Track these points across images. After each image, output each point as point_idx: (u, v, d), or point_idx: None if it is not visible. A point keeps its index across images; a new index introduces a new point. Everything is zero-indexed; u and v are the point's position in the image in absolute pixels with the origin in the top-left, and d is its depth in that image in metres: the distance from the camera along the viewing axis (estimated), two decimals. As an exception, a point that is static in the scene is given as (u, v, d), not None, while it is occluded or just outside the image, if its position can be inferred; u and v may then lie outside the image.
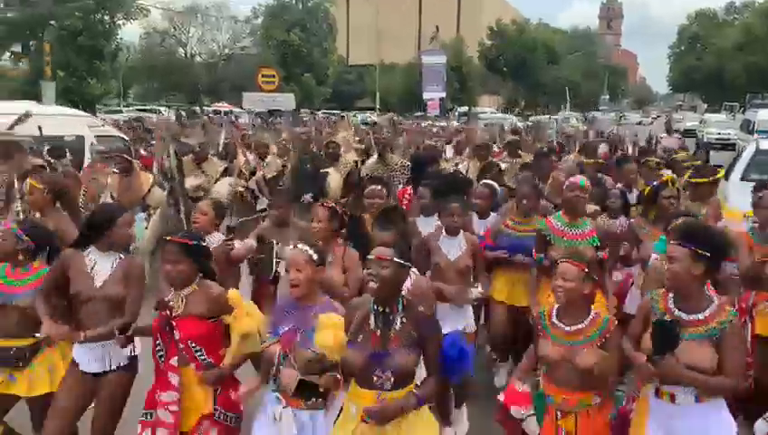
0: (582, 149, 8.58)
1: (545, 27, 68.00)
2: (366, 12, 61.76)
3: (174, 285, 3.37)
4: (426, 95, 33.96)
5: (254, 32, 46.90)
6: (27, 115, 7.94)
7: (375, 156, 8.53)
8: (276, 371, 3.16)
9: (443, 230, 4.53)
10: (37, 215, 4.95)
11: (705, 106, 50.09)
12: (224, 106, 39.17)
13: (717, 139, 26.87)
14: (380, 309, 2.97)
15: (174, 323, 3.29)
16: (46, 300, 3.65)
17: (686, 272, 2.97)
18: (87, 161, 9.03)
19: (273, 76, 26.34)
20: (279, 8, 47.40)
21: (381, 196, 5.00)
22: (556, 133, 11.44)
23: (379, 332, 2.96)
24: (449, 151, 9.71)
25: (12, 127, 7.60)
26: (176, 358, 3.29)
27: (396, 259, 2.92)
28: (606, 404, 3.20)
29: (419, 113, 38.19)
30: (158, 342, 3.36)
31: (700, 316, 2.97)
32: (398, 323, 2.95)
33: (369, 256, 2.98)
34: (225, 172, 8.75)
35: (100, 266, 3.57)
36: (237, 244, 4.60)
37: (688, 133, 27.67)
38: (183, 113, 27.95)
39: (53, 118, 10.47)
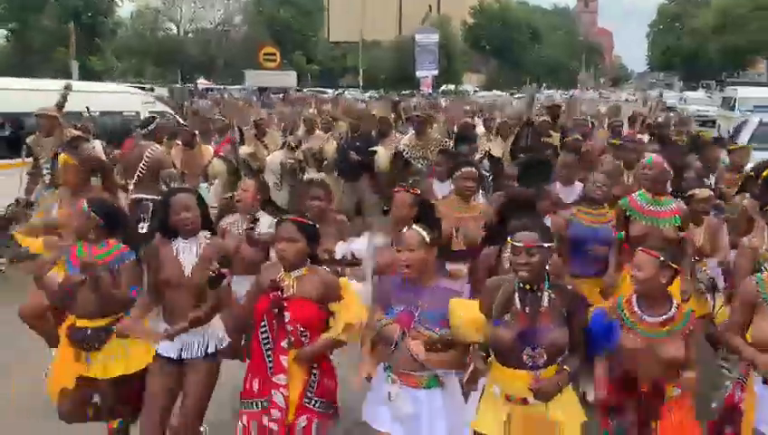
0: (610, 127, 9.00)
1: (525, 6, 68.71)
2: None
3: (286, 266, 3.27)
4: (419, 73, 34.72)
5: (244, 9, 46.96)
6: (68, 88, 8.46)
7: (412, 132, 8.55)
8: (393, 350, 3.13)
9: None
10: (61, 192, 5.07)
11: (681, 84, 51.31)
12: (205, 83, 39.09)
13: (698, 116, 28.35)
14: (527, 288, 2.95)
15: (285, 305, 3.19)
16: (148, 293, 3.63)
17: None
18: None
19: (275, 54, 26.90)
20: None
21: (475, 177, 4.81)
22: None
23: (527, 310, 2.93)
24: (480, 126, 10.21)
25: (62, 105, 8.16)
26: (286, 341, 3.20)
27: (544, 244, 2.92)
28: (686, 395, 3.13)
29: (406, 91, 38.83)
30: (263, 324, 3.23)
31: None
32: (546, 301, 2.95)
33: (516, 244, 2.92)
34: (284, 146, 8.97)
35: (185, 254, 3.54)
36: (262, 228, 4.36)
37: (667, 110, 28.95)
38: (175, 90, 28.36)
39: (113, 95, 11.27)
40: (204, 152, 8.35)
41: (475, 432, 3.08)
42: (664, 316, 3.06)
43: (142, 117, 10.58)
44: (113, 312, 3.68)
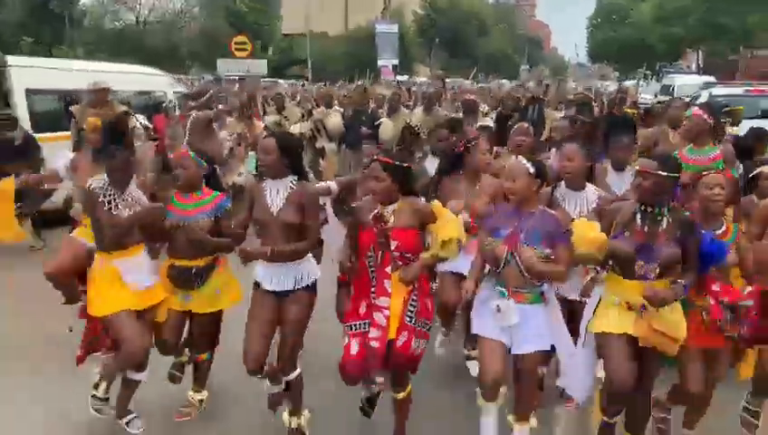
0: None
1: (470, -1, 70.19)
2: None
3: (376, 200, 3.55)
4: (380, 62, 35.84)
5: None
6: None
7: (420, 109, 9.34)
8: (501, 269, 3.42)
9: (609, 165, 4.87)
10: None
11: (617, 74, 53.52)
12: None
13: (641, 102, 30.95)
14: (647, 210, 3.30)
15: (390, 234, 3.47)
16: (240, 228, 3.90)
17: None
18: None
19: (246, 43, 27.37)
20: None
21: (528, 132, 5.25)
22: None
23: (646, 228, 3.28)
24: (484, 104, 11.74)
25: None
26: (390, 266, 3.50)
27: (659, 172, 3.22)
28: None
29: (359, 82, 39.34)
30: (369, 254, 3.53)
31: None
32: (665, 223, 3.28)
33: (636, 167, 3.38)
34: (303, 119, 10.33)
35: (275, 194, 3.72)
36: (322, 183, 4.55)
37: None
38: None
39: (145, 76, 12.39)
40: (258, 126, 9.45)
41: (591, 334, 3.45)
42: (719, 232, 3.54)
43: (169, 96, 11.82)
44: (210, 253, 3.98)
